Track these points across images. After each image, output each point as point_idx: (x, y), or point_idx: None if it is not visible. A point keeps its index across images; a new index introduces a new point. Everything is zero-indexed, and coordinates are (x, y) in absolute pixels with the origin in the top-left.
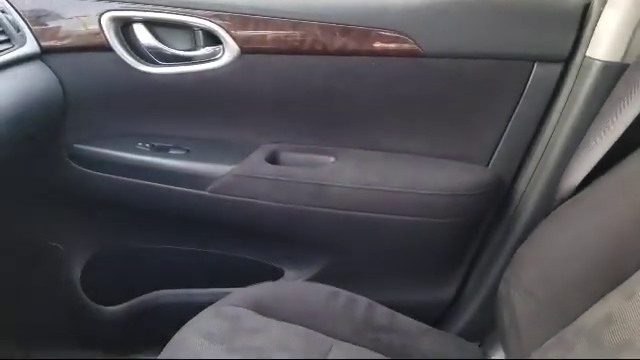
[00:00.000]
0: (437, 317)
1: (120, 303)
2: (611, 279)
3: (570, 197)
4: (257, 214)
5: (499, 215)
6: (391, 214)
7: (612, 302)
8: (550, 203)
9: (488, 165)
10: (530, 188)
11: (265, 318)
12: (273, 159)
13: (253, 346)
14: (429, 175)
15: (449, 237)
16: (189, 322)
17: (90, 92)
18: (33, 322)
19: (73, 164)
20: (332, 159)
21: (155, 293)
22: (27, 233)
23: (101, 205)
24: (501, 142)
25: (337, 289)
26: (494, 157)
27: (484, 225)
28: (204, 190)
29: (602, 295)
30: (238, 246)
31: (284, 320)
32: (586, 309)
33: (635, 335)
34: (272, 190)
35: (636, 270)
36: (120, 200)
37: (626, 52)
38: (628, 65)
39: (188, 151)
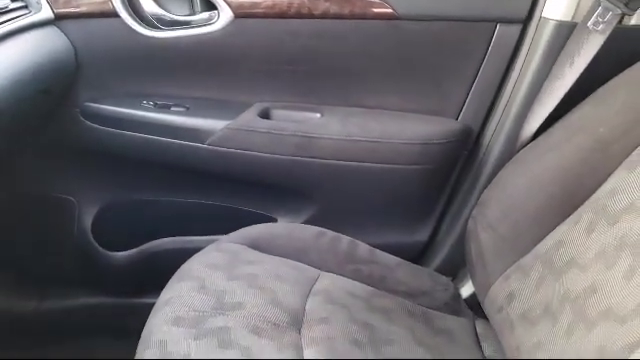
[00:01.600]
0: (414, 256)
1: (127, 250)
2: (562, 211)
3: (528, 143)
4: (251, 165)
5: (468, 163)
6: (371, 162)
7: (562, 230)
8: (512, 150)
9: (457, 118)
10: (495, 138)
11: (260, 253)
12: (265, 115)
13: (250, 273)
14: (405, 127)
15: (423, 182)
16: (194, 256)
17: (99, 55)
18: (47, 270)
19: (84, 121)
20: (318, 115)
21: (159, 241)
22: (42, 185)
23: (110, 159)
24: (468, 97)
25: (323, 229)
26: (463, 111)
27: (455, 172)
28: (203, 143)
29: (555, 226)
30: (234, 197)
31: (277, 255)
32: (541, 239)
33: (579, 254)
34: (264, 142)
35: (583, 202)
36: (127, 154)
37: (576, 12)
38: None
39: (188, 108)
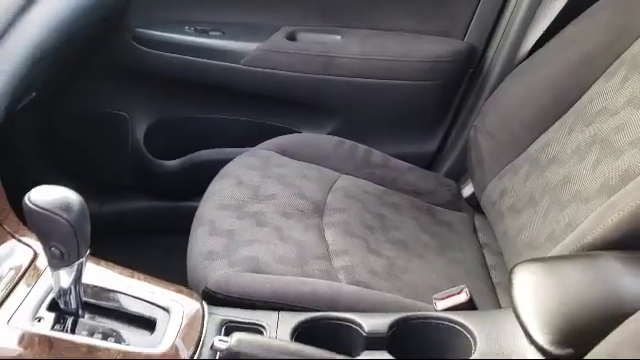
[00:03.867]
0: (423, 164)
1: (174, 159)
2: (551, 118)
3: (525, 59)
4: (279, 83)
5: (473, 79)
6: (386, 79)
7: (549, 134)
8: (512, 66)
9: (463, 39)
10: (496, 56)
11: (288, 158)
12: (292, 37)
13: (280, 173)
14: (416, 47)
15: (433, 97)
16: (233, 160)
17: None
18: (106, 177)
19: (135, 45)
20: (339, 37)
21: (200, 152)
22: (100, 103)
23: (158, 79)
24: (473, 19)
25: (343, 139)
26: (468, 32)
27: (461, 88)
28: (238, 63)
29: (544, 131)
30: (264, 113)
31: (303, 161)
32: (532, 143)
33: (560, 152)
34: (291, 62)
35: (568, 109)
36: (173, 74)
37: None
38: None
39: (224, 33)
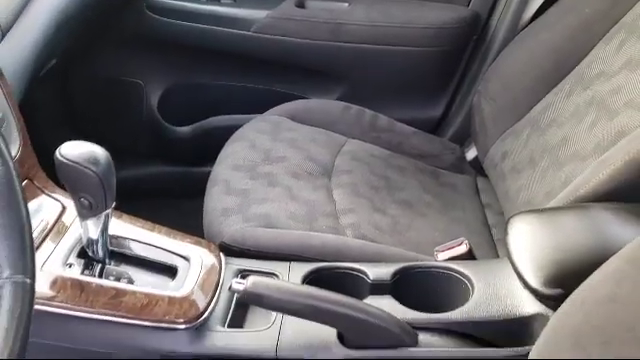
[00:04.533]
0: (428, 129)
1: (187, 125)
2: (551, 82)
3: (527, 25)
4: (288, 50)
5: (477, 46)
6: (392, 45)
7: (550, 96)
8: (515, 33)
9: (468, 6)
10: (500, 22)
11: (298, 123)
12: (301, 5)
13: (290, 137)
14: (422, 14)
15: (438, 63)
16: (245, 124)
17: None
18: (122, 143)
19: (149, 13)
20: (346, 4)
21: (212, 118)
22: (116, 71)
23: (171, 47)
24: None
25: (350, 104)
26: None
27: (466, 54)
28: (248, 31)
29: (544, 95)
30: (274, 80)
31: (311, 125)
32: (533, 107)
33: (559, 114)
34: (300, 29)
35: (568, 73)
36: (185, 42)
37: None
38: None
39: (235, 1)
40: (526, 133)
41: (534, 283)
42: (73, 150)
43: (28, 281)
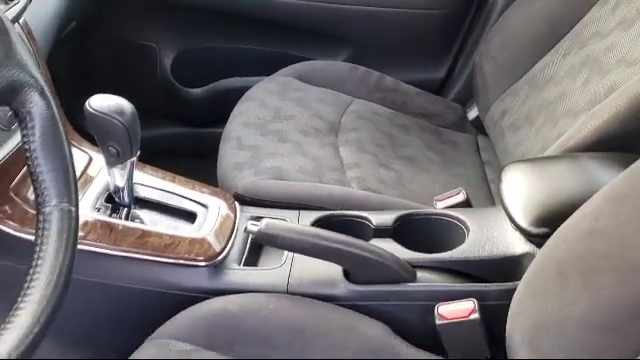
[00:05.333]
0: (432, 90)
1: (200, 87)
2: (549, 43)
3: None
4: (297, 13)
5: (479, 8)
6: (397, 8)
7: (548, 57)
8: None
9: None
10: None
11: (306, 84)
12: None
13: (298, 97)
14: None
15: (441, 25)
16: (255, 85)
17: None
18: (137, 104)
19: None
20: None
21: (224, 80)
22: (131, 35)
23: (182, 11)
24: None
25: (357, 65)
26: None
27: (469, 17)
28: None
29: (543, 55)
30: (283, 42)
31: (319, 86)
32: (532, 67)
33: (556, 73)
34: None
35: (565, 35)
36: (196, 5)
37: None
38: None
39: None
40: (525, 92)
41: (523, 223)
42: (101, 102)
43: (73, 209)
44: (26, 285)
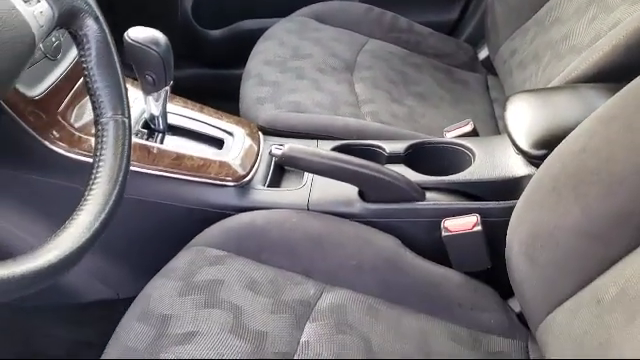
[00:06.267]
0: (445, 32)
1: (220, 28)
2: None
3: None
4: None
5: None
6: None
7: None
8: None
9: None
10: None
11: (323, 24)
12: None
13: (316, 37)
14: None
15: None
16: (273, 25)
17: None
18: None
19: None
20: None
21: (243, 22)
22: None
23: None
24: None
25: (372, 6)
26: None
27: None
28: None
29: None
30: None
31: (335, 26)
32: (540, 7)
33: (562, 13)
34: None
35: None
36: None
37: None
38: None
39: None
40: (533, 31)
41: (524, 146)
42: (138, 34)
43: (126, 120)
44: (90, 182)
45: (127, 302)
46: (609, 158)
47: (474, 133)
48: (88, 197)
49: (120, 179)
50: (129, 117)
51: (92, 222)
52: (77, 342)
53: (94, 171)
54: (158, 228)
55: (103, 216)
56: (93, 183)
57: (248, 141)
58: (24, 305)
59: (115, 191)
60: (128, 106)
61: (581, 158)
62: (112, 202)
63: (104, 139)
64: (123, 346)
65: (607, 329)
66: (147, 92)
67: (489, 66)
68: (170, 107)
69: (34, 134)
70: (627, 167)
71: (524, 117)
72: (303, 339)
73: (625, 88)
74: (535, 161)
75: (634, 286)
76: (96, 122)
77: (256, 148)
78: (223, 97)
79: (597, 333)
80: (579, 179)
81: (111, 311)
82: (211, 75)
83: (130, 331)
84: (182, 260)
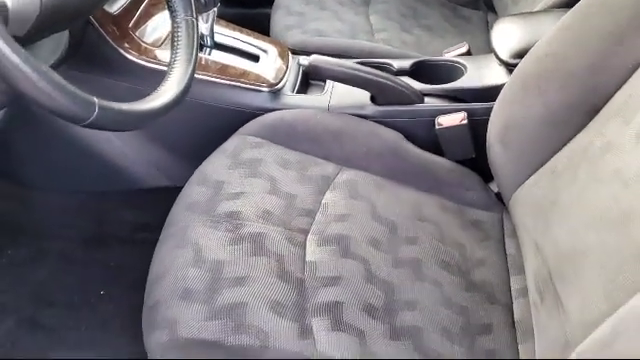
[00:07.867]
0: None
1: None
2: None
3: None
4: None
5: None
6: None
7: None
8: None
9: None
10: None
11: None
12: None
13: None
14: None
15: None
16: None
17: None
18: None
19: None
20: None
21: None
22: None
23: None
24: None
25: None
26: None
27: None
28: None
29: None
30: None
31: None
32: None
33: None
34: None
35: None
36: None
37: None
38: None
39: None
40: None
41: (504, 56)
42: None
43: (194, 20)
44: (171, 63)
45: (180, 189)
46: (565, 59)
47: (468, 53)
48: (169, 77)
49: (193, 60)
50: (196, 18)
51: (173, 94)
52: (137, 224)
53: (173, 54)
54: (206, 125)
55: (182, 87)
56: (173, 65)
57: (279, 57)
58: (96, 190)
59: (189, 71)
60: (196, 11)
61: (544, 61)
62: (190, 70)
63: (179, 34)
64: (188, 201)
65: (557, 190)
66: (199, 12)
67: (490, 5)
68: (216, 28)
69: (113, 44)
70: (579, 64)
71: (506, 34)
72: (324, 201)
73: (578, 4)
74: (512, 69)
75: (578, 155)
76: (172, 21)
77: (286, 62)
78: None
79: (550, 195)
80: (542, 78)
81: (167, 197)
82: (240, 14)
83: (192, 191)
84: (231, 144)
